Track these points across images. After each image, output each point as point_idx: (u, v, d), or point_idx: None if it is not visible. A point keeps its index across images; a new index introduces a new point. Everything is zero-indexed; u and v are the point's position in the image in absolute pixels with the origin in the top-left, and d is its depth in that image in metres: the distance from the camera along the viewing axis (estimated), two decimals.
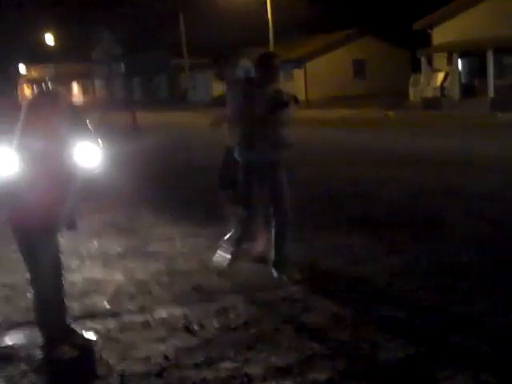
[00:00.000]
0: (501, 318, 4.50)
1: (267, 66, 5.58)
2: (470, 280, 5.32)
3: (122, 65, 56.27)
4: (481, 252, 6.06)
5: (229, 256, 5.85)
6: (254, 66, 5.75)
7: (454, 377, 3.70)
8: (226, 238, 5.98)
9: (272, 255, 5.71)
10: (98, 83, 64.33)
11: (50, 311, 4.31)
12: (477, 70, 29.49)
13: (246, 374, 3.88)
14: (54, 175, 4.15)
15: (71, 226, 4.49)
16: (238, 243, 5.84)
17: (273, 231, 5.69)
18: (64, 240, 4.47)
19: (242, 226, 5.80)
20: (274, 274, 5.64)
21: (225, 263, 5.87)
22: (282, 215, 5.62)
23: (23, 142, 4.14)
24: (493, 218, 7.40)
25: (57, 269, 4.37)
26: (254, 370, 3.93)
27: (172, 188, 10.79)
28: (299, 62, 40.76)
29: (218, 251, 5.98)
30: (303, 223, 6.93)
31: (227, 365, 4.02)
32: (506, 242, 6.42)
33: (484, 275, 5.44)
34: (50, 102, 4.24)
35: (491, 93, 26.42)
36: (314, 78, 40.59)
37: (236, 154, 5.68)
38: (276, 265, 5.67)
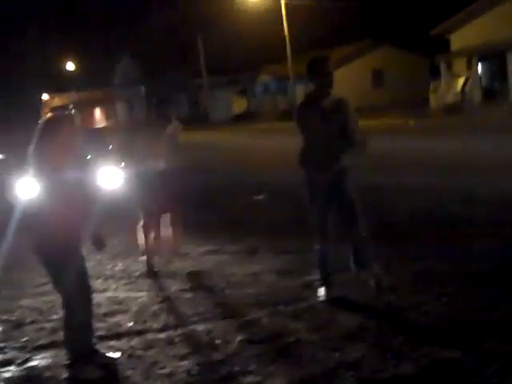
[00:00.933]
0: None
1: (322, 73, 5.24)
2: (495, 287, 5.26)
3: (143, 87, 56.80)
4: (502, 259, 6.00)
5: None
6: (307, 74, 5.33)
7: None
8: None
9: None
10: (119, 107, 65.01)
11: (79, 332, 4.34)
12: (497, 73, 29.30)
13: None
14: (73, 199, 4.20)
15: (100, 245, 4.55)
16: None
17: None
18: (88, 261, 4.52)
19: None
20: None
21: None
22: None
23: (40, 165, 4.21)
24: None
25: (85, 291, 4.42)
26: (278, 382, 3.92)
27: (192, 207, 10.81)
28: None
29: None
30: None
31: (250, 379, 4.02)
32: None
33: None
34: (64, 123, 4.29)
35: None
36: (334, 90, 40.50)
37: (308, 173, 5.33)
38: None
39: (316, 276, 5.69)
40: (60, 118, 4.42)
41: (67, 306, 4.33)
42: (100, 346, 4.60)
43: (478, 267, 5.76)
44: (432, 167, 12.49)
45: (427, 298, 5.11)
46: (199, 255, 7.35)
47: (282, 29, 37.20)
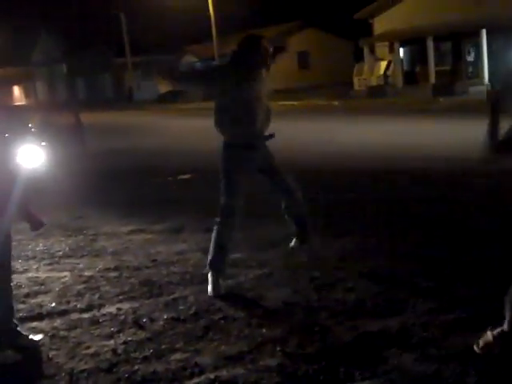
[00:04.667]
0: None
1: (256, 48, 4.91)
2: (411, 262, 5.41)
3: (64, 66, 55.30)
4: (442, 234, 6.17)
5: None
6: (239, 49, 4.98)
7: (401, 354, 3.74)
8: None
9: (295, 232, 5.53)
10: (40, 85, 63.12)
11: None
12: (418, 57, 30.05)
13: (197, 364, 3.84)
14: None
15: (37, 225, 4.41)
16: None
17: (291, 210, 5.39)
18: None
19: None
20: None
21: None
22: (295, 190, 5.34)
23: None
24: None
25: (4, 272, 4.27)
26: (205, 359, 3.90)
27: (116, 188, 10.66)
28: None
29: None
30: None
31: (177, 356, 3.98)
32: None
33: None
34: None
35: (432, 79, 26.93)
36: None
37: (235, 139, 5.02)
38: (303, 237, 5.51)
39: (239, 254, 5.77)
40: None
41: None
42: (21, 328, 4.46)
43: (403, 243, 5.91)
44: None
45: (351, 274, 5.20)
46: (124, 234, 7.23)
47: (208, 9, 36.88)
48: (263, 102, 5.07)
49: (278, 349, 3.94)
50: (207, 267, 5.16)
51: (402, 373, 3.51)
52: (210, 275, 5.11)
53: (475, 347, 3.61)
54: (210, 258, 5.13)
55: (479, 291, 4.55)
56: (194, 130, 19.06)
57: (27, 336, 4.41)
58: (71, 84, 53.76)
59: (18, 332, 4.38)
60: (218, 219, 5.10)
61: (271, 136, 5.21)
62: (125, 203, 9.08)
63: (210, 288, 5.06)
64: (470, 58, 28.51)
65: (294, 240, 5.63)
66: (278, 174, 5.29)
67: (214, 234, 5.13)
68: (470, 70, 28.31)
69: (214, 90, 5.12)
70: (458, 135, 12.98)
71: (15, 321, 4.42)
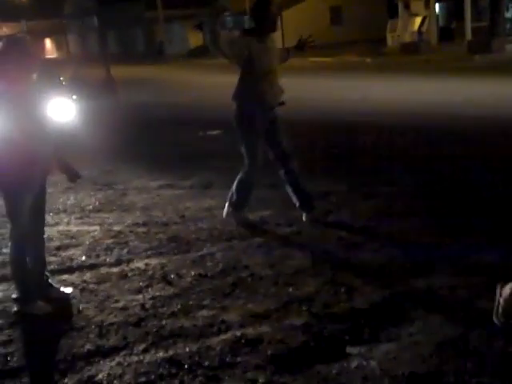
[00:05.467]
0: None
1: (266, 16, 5.25)
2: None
3: (96, 19, 55.09)
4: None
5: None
6: (250, 16, 5.47)
7: (427, 316, 3.73)
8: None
9: (298, 202, 5.67)
10: (71, 38, 63.10)
11: (27, 265, 4.27)
12: (454, 13, 29.30)
13: (223, 321, 3.89)
14: (28, 130, 4.05)
15: (74, 177, 4.46)
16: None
17: (288, 180, 5.63)
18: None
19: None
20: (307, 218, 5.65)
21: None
22: (292, 158, 5.61)
23: None
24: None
25: (39, 224, 4.34)
26: (232, 316, 3.94)
27: (146, 142, 10.70)
28: None
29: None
30: None
31: (204, 313, 4.03)
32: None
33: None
34: (19, 50, 4.10)
35: (469, 36, 26.29)
36: (291, 26, 40.03)
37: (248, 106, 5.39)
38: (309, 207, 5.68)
39: (268, 212, 5.85)
40: (15, 39, 4.21)
41: (15, 236, 4.23)
42: (52, 281, 4.54)
43: (429, 203, 5.86)
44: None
45: (379, 235, 5.18)
46: (153, 189, 7.28)
47: None
48: (277, 71, 5.41)
49: (304, 308, 3.97)
50: (229, 208, 5.69)
51: (427, 335, 3.51)
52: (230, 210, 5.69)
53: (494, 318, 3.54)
54: (234, 200, 5.63)
55: (506, 254, 4.50)
56: (222, 85, 18.96)
57: (58, 288, 4.49)
58: (102, 37, 53.61)
59: (50, 284, 4.47)
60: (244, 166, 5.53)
61: (282, 103, 5.50)
62: (154, 158, 9.12)
63: (225, 212, 5.70)
64: (509, 15, 27.73)
65: (303, 214, 5.70)
66: (278, 138, 5.54)
67: (238, 178, 5.58)
68: (508, 27, 27.56)
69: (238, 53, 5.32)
70: (491, 94, 12.72)
71: (47, 273, 4.50)
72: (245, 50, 5.24)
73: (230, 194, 5.74)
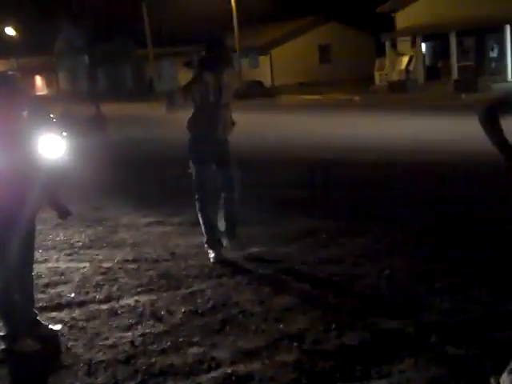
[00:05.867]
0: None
1: (218, 52, 5.65)
2: None
3: (86, 56, 55.52)
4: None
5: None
6: (205, 52, 5.77)
7: (418, 353, 3.73)
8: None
9: (224, 227, 5.93)
10: (62, 76, 63.43)
11: (14, 302, 4.24)
12: (440, 52, 29.80)
13: (214, 358, 3.87)
14: (17, 167, 4.07)
15: (64, 214, 4.47)
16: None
17: (224, 206, 5.88)
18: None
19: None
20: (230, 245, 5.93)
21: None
22: (234, 189, 5.82)
23: None
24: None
25: (26, 260, 4.32)
26: (222, 354, 3.92)
27: (136, 179, 10.72)
28: (265, 49, 40.72)
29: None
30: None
31: (194, 350, 4.01)
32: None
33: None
34: (8, 89, 4.13)
35: (455, 75, 26.69)
36: (280, 64, 40.59)
37: (197, 136, 5.73)
38: (232, 236, 5.95)
39: (258, 248, 5.94)
40: (5, 76, 4.24)
41: (1, 274, 4.20)
42: (41, 318, 4.51)
43: (417, 243, 5.89)
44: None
45: (370, 271, 5.19)
46: (143, 226, 7.28)
47: (230, 1, 36.79)
48: (228, 106, 5.75)
49: (295, 345, 3.95)
50: (205, 247, 5.88)
51: (418, 372, 3.50)
52: (209, 250, 5.83)
53: None
54: (204, 239, 5.87)
55: (495, 290, 4.52)
56: None
57: (47, 325, 4.46)
58: (92, 75, 53.97)
59: (38, 321, 4.44)
60: (196, 203, 5.83)
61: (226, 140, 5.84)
62: (144, 195, 9.13)
63: (212, 256, 5.77)
64: (494, 54, 28.21)
65: (225, 241, 5.98)
66: (228, 168, 5.81)
67: (200, 218, 5.84)
68: (493, 66, 28.03)
69: (191, 97, 5.70)
70: (477, 132, 12.85)
71: (35, 310, 4.47)
72: (199, 89, 5.60)
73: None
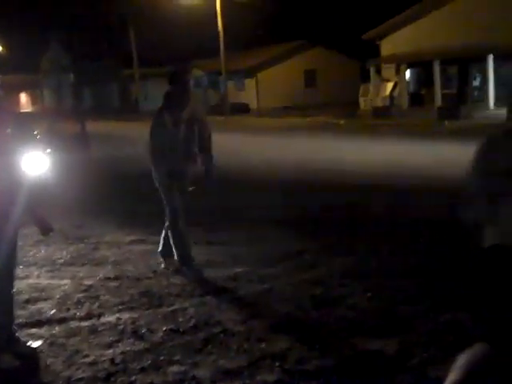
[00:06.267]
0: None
1: (182, 83, 5.81)
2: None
3: (72, 75, 55.51)
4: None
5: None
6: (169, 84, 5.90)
7: (402, 374, 3.72)
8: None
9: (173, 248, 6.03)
10: (47, 93, 63.32)
11: None
12: (424, 79, 30.12)
13: (195, 377, 3.84)
14: (0, 183, 4.05)
15: (46, 230, 4.44)
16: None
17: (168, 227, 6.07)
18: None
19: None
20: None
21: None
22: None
23: None
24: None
25: (8, 278, 4.27)
26: (203, 373, 3.89)
27: (118, 197, 10.67)
28: (251, 72, 40.99)
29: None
30: None
31: (175, 368, 3.97)
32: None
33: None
34: None
35: (438, 101, 26.98)
36: (266, 87, 40.83)
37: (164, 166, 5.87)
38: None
39: (240, 268, 5.90)
40: None
41: None
42: (20, 334, 4.45)
43: (404, 262, 5.91)
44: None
45: (352, 292, 5.19)
46: (125, 244, 7.23)
47: (217, 23, 37.04)
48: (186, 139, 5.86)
49: (277, 364, 3.94)
50: (179, 264, 5.98)
51: None
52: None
53: None
54: (177, 256, 5.99)
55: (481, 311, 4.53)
56: None
57: (25, 342, 4.40)
58: (78, 93, 53.92)
59: (17, 338, 4.38)
60: (167, 223, 6.06)
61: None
62: (126, 212, 9.08)
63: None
64: (476, 83, 28.59)
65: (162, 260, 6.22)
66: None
67: (170, 237, 6.00)
68: (476, 94, 28.39)
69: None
70: (459, 157, 12.99)
71: (14, 327, 4.41)
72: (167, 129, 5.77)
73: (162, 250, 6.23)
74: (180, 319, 4.79)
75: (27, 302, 5.32)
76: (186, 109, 5.84)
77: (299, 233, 7.36)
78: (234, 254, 6.39)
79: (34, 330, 4.70)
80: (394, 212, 8.41)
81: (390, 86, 30.35)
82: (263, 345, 4.24)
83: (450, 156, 13.47)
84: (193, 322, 4.72)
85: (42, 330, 4.70)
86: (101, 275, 6.02)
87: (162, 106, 5.97)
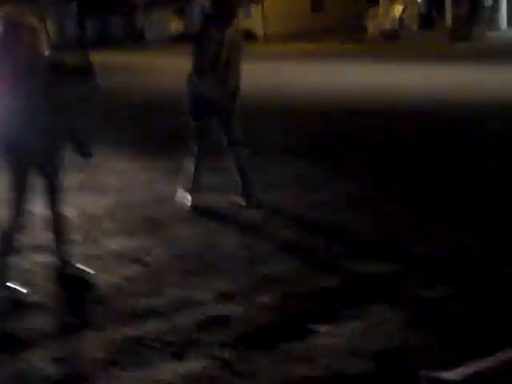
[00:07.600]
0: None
1: (226, 5, 5.45)
2: None
3: (75, 4, 54.53)
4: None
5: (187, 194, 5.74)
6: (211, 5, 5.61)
7: (394, 297, 3.72)
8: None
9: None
10: (50, 24, 62.47)
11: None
12: (435, 0, 29.38)
13: (195, 300, 3.84)
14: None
15: (86, 155, 4.56)
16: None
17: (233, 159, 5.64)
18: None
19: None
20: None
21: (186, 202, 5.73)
22: (238, 142, 5.61)
23: None
24: None
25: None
26: (203, 296, 3.90)
27: (123, 126, 10.60)
28: None
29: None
30: None
31: (176, 291, 3.98)
32: None
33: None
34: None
35: (449, 23, 26.37)
36: (272, 13, 39.97)
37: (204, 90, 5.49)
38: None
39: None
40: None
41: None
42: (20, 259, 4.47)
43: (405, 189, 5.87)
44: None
45: (353, 217, 5.17)
46: (129, 171, 7.23)
47: None
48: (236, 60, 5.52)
49: (275, 287, 3.93)
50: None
51: (394, 314, 3.50)
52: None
53: None
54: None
55: (474, 237, 4.51)
56: None
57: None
58: (81, 23, 53.11)
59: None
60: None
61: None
62: (132, 141, 9.04)
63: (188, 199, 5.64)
64: (488, 4, 27.87)
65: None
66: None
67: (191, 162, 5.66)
68: (488, 15, 27.70)
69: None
70: (468, 80, 12.78)
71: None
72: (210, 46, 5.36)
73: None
74: (181, 244, 4.79)
75: (28, 229, 5.31)
76: (231, 26, 5.48)
77: (306, 158, 7.29)
78: (227, 183, 6.34)
79: (34, 257, 4.71)
80: (391, 134, 8.31)
81: (399, 8, 29.62)
82: (263, 268, 4.24)
83: (454, 77, 13.24)
84: (196, 247, 4.72)
85: (43, 257, 4.71)
86: (103, 203, 6.01)
87: (204, 23, 5.67)
